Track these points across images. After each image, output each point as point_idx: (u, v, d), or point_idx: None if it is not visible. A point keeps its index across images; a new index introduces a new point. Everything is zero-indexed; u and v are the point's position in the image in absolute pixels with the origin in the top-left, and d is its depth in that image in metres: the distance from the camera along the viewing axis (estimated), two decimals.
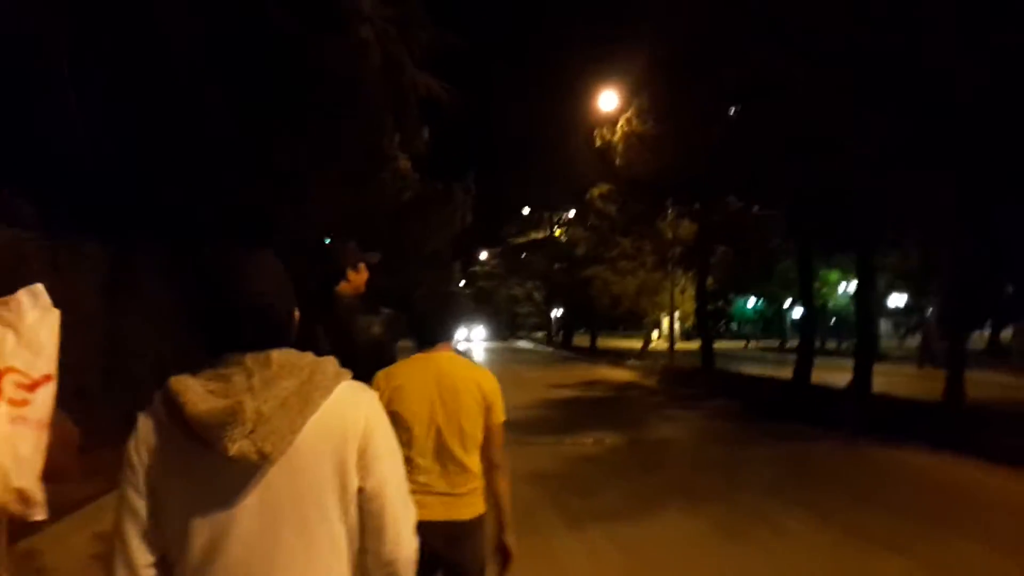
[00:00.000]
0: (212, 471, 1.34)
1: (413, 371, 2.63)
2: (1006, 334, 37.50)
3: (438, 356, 2.69)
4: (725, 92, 17.15)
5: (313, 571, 1.38)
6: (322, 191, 17.97)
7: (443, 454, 2.56)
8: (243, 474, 1.34)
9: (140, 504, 1.37)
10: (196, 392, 1.33)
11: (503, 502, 2.70)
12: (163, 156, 11.09)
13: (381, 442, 1.46)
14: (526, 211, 43.84)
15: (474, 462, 2.62)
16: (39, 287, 1.55)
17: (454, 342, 2.79)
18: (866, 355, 13.79)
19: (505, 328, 68.98)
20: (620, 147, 20.56)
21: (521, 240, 44.17)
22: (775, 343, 47.33)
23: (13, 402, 1.43)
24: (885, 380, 15.74)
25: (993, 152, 10.36)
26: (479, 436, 2.62)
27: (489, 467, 2.68)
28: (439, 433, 2.56)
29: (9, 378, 1.44)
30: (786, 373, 19.27)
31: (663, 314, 29.37)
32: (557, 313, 51.44)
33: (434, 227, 21.45)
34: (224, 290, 1.41)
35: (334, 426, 1.40)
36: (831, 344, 40.36)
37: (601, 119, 22.39)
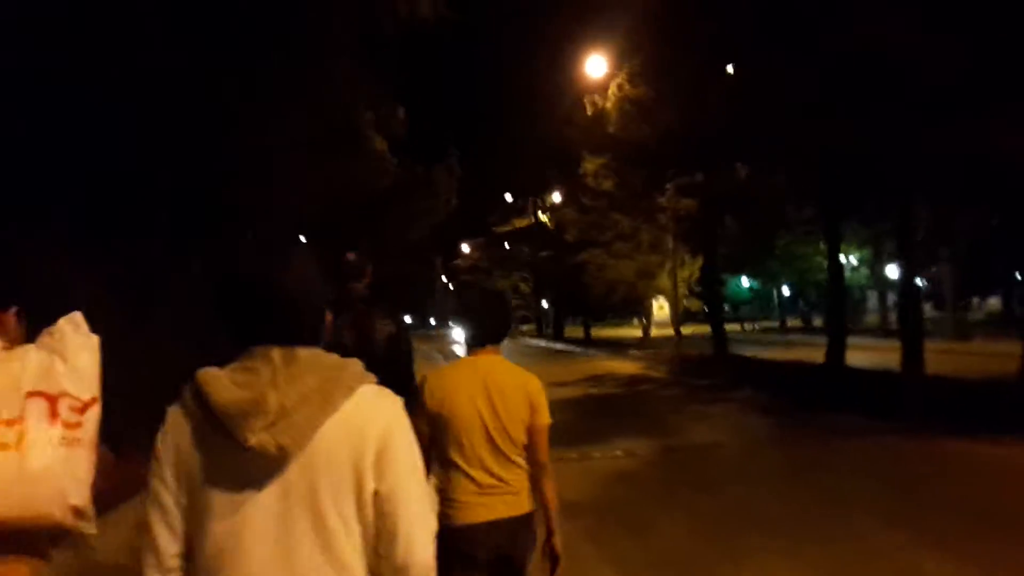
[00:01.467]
0: (233, 463, 1.33)
1: (461, 374, 2.66)
2: (993, 302, 36.35)
3: (486, 359, 2.69)
4: (723, 46, 15.52)
5: (330, 570, 1.35)
6: (288, 174, 16.05)
7: (495, 454, 2.56)
8: (262, 468, 1.33)
9: (166, 495, 1.37)
10: (222, 383, 1.34)
11: (550, 505, 2.66)
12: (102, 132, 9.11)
13: (400, 446, 1.42)
14: (509, 198, 41.76)
15: (522, 461, 2.62)
16: (78, 315, 1.66)
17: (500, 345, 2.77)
18: (914, 333, 12.13)
19: None
20: (614, 114, 18.83)
21: (505, 229, 42.09)
22: (772, 324, 45.97)
23: (68, 425, 1.57)
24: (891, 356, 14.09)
25: None
26: (524, 438, 2.62)
27: (536, 468, 2.66)
28: (489, 434, 2.56)
29: (63, 402, 1.58)
30: (801, 355, 17.73)
31: (662, 299, 27.54)
32: (545, 304, 49.67)
33: (416, 215, 19.48)
34: (260, 281, 1.40)
35: (354, 426, 1.38)
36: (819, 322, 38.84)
37: (590, 86, 20.63)
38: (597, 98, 19.94)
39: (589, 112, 20.00)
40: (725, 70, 16.66)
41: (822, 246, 31.75)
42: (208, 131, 11.81)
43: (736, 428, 10.44)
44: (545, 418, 2.63)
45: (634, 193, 20.34)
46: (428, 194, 19.60)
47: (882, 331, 29.92)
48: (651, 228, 23.36)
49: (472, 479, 2.51)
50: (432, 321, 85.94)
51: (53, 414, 1.54)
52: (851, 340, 22.62)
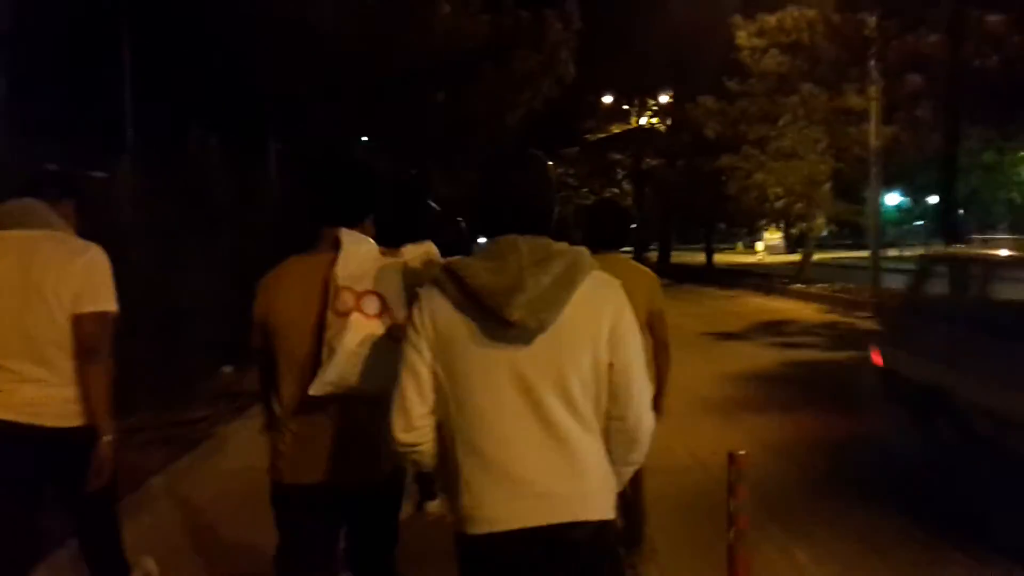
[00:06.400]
0: (489, 336, 1.60)
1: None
2: None
3: (612, 256, 3.34)
4: None
5: (572, 433, 1.63)
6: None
7: None
8: (514, 340, 1.59)
9: (420, 364, 1.64)
10: (475, 269, 1.60)
11: (662, 378, 3.41)
12: None
13: (629, 324, 1.70)
14: (608, 99, 35.09)
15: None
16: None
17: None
18: None
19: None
20: None
21: (600, 135, 35.65)
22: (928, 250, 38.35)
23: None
24: None
25: None
26: (643, 320, 3.05)
27: (658, 347, 3.36)
28: None
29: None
30: None
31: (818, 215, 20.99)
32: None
33: (518, 83, 13.77)
34: (504, 186, 1.73)
35: (590, 305, 1.65)
36: None
37: None
38: None
39: None
40: None
41: None
42: None
43: None
44: (661, 303, 3.37)
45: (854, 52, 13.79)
46: (536, 50, 13.76)
47: None
48: (836, 118, 16.98)
49: None
50: None
51: None
52: None
